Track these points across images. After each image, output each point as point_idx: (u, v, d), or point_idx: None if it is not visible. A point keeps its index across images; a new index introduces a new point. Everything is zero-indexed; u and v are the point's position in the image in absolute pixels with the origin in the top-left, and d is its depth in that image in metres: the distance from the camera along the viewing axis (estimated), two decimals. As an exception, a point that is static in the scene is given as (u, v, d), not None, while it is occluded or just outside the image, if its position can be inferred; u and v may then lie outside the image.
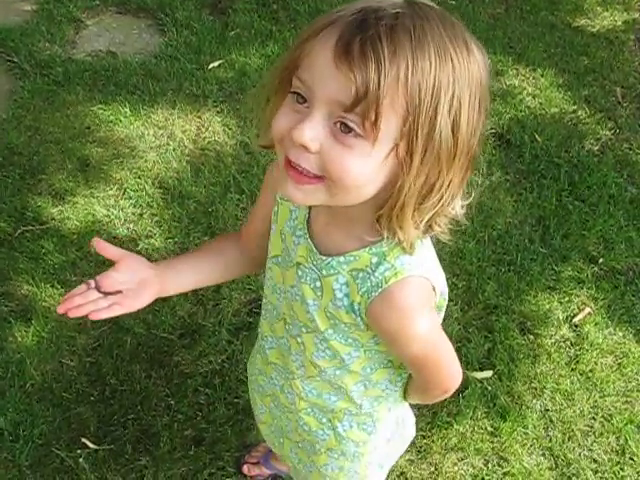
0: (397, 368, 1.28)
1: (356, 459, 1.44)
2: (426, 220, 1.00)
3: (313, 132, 0.92)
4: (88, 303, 1.20)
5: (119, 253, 1.27)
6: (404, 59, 0.88)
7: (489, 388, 2.34)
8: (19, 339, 2.37)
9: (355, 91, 0.88)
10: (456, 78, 0.92)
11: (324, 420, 1.38)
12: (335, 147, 0.93)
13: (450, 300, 2.51)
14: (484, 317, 2.54)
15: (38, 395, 2.25)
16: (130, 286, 1.25)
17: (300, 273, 1.18)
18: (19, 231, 2.68)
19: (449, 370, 1.26)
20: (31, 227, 2.70)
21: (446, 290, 1.17)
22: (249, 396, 1.63)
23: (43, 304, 2.46)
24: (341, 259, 1.10)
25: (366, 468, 1.48)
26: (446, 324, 2.47)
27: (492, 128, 3.25)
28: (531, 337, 2.51)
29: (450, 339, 2.38)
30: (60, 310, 1.20)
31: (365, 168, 0.93)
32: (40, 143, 3.02)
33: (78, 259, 2.60)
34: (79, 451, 2.13)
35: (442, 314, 1.23)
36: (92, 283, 1.24)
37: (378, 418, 1.37)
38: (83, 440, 2.15)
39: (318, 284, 1.15)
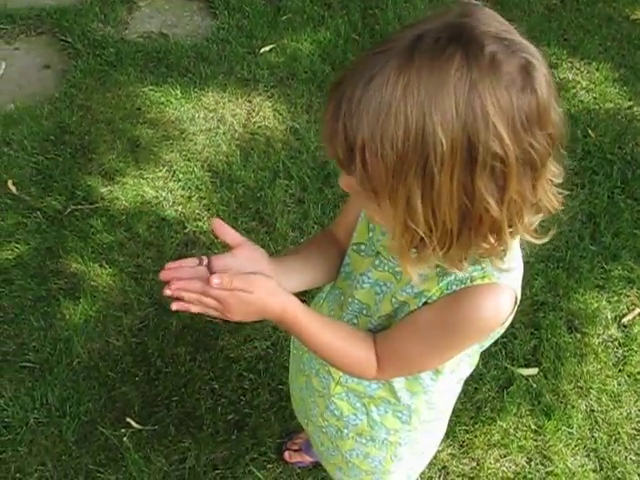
0: (441, 368, 1.25)
1: (384, 447, 1.42)
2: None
3: (342, 182, 0.99)
4: (195, 292, 1.08)
5: (239, 240, 1.16)
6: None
7: (534, 385, 2.31)
8: (67, 317, 2.41)
9: None
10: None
11: (358, 405, 1.37)
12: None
13: (497, 295, 2.50)
14: (531, 313, 2.51)
15: (84, 373, 2.28)
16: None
17: (377, 262, 1.18)
18: (69, 209, 2.71)
19: (402, 372, 1.23)
20: (81, 206, 2.73)
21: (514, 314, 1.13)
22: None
23: (91, 283, 2.49)
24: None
25: (391, 462, 1.46)
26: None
27: (544, 121, 3.19)
28: (578, 336, 2.47)
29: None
30: (163, 275, 1.10)
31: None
32: (91, 123, 3.04)
33: (126, 239, 2.62)
34: (123, 430, 2.16)
35: (491, 341, 1.21)
36: (205, 260, 1.13)
37: (415, 410, 1.35)
38: (127, 420, 2.18)
39: (398, 269, 1.14)
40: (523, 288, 2.58)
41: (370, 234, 1.22)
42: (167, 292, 1.08)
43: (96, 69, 3.28)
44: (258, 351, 2.33)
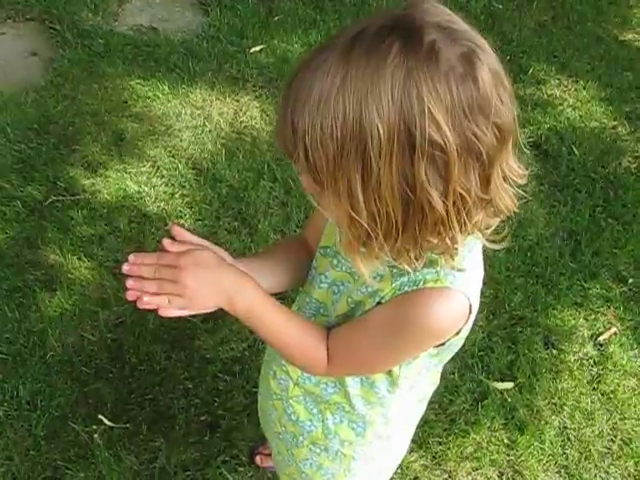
0: (397, 379, 1.22)
1: (338, 460, 1.41)
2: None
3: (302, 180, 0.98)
4: (160, 294, 1.07)
5: (201, 243, 1.15)
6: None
7: (509, 400, 2.32)
8: (42, 309, 2.37)
9: None
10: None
11: (315, 411, 1.35)
12: None
13: (475, 308, 2.51)
14: (509, 327, 2.52)
15: (57, 367, 2.25)
16: None
17: (335, 262, 1.18)
18: (50, 200, 2.68)
19: (350, 369, 1.20)
20: (62, 197, 2.70)
21: (470, 327, 1.11)
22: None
23: (69, 275, 2.46)
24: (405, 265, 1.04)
25: (344, 476, 1.44)
26: (470, 331, 2.45)
27: (530, 137, 3.21)
28: (554, 352, 2.48)
29: (473, 346, 2.38)
30: (129, 292, 1.08)
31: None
32: (76, 114, 3.01)
33: (106, 233, 2.59)
34: (95, 427, 2.14)
35: (452, 352, 1.19)
36: None
37: (370, 422, 1.33)
38: (99, 416, 2.15)
39: (355, 269, 1.10)
40: (502, 302, 2.60)
41: (337, 237, 1.19)
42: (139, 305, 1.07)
43: (84, 59, 3.25)
44: (235, 353, 2.31)
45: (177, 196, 2.75)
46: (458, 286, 1.01)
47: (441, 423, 2.25)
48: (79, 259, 2.50)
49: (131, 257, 1.12)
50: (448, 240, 0.94)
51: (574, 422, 2.30)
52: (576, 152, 3.19)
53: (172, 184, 2.79)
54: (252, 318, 1.13)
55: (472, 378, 2.35)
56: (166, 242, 1.11)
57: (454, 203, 0.90)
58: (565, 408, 2.33)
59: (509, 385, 2.35)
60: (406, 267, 0.99)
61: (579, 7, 4.03)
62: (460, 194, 0.89)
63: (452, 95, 0.85)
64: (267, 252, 1.41)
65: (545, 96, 3.48)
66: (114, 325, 2.36)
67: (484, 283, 2.67)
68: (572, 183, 3.06)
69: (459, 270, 1.01)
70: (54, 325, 2.33)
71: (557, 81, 3.58)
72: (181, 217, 2.67)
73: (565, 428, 2.29)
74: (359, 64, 0.84)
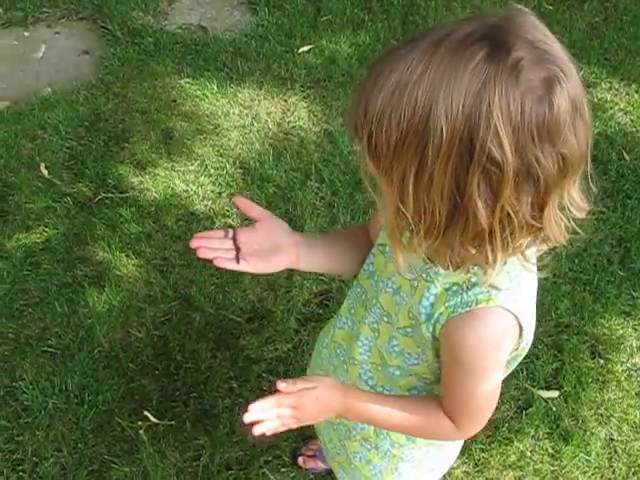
0: None
1: (387, 458, 1.43)
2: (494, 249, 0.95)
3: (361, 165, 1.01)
4: (220, 249, 1.19)
5: (262, 214, 1.25)
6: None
7: (554, 409, 2.29)
8: (91, 305, 2.41)
9: None
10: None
11: None
12: None
13: (522, 314, 2.48)
14: (555, 335, 2.48)
15: (105, 362, 2.29)
16: (264, 248, 1.22)
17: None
18: (99, 197, 2.72)
19: (475, 417, 1.21)
20: (111, 194, 2.74)
21: (531, 339, 1.13)
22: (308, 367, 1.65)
23: (117, 272, 2.50)
24: (441, 270, 1.07)
25: (391, 474, 1.46)
26: (515, 338, 2.43)
27: (579, 141, 3.16)
28: (601, 361, 2.44)
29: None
30: (193, 244, 1.18)
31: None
32: (126, 111, 3.05)
33: (154, 231, 2.62)
34: (140, 423, 2.17)
35: (517, 362, 1.20)
36: (230, 233, 1.21)
37: None
38: (145, 413, 2.18)
39: (415, 284, 1.14)
40: (548, 309, 2.57)
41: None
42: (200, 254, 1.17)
43: (134, 58, 3.29)
44: (279, 353, 2.32)
45: (224, 195, 2.77)
46: (508, 305, 1.03)
47: (484, 430, 2.20)
48: (127, 256, 2.54)
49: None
50: (489, 254, 0.94)
51: (622, 434, 2.27)
52: (627, 157, 3.13)
53: (219, 183, 2.81)
54: (366, 421, 1.26)
55: (517, 385, 2.33)
56: (281, 386, 1.16)
57: (500, 221, 0.90)
58: (612, 419, 2.29)
59: (554, 394, 2.32)
60: (440, 269, 1.03)
61: (633, 8, 3.95)
62: (508, 213, 0.89)
63: (523, 115, 0.84)
64: (331, 233, 1.45)
65: (595, 99, 3.42)
66: (160, 322, 2.39)
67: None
68: (622, 189, 3.01)
69: (496, 289, 1.02)
70: (102, 321, 2.37)
71: (608, 84, 3.52)
72: (228, 216, 2.69)
73: (612, 440, 2.26)
74: (440, 63, 0.85)
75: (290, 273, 2.51)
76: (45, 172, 2.78)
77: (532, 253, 1.04)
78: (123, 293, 2.45)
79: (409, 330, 1.17)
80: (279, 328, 2.37)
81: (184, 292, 2.45)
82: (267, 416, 1.17)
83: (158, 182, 2.79)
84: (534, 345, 2.38)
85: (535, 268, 1.10)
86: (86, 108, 3.04)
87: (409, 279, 1.15)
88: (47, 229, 2.60)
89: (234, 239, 1.20)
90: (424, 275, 1.11)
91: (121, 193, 2.75)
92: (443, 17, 3.66)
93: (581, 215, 0.99)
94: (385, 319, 1.24)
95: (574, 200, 0.96)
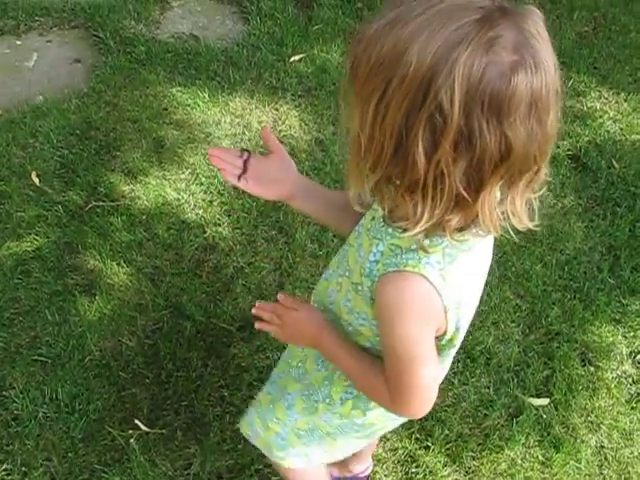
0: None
1: (307, 412, 1.52)
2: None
3: None
4: (230, 164, 1.37)
5: (278, 148, 1.41)
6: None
7: (544, 416, 2.30)
8: (82, 313, 2.41)
9: None
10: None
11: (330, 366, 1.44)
12: None
13: (512, 322, 2.50)
14: (545, 343, 2.49)
15: (95, 371, 2.28)
16: (268, 177, 1.40)
17: (370, 226, 1.23)
18: (90, 205, 2.72)
19: (405, 396, 1.23)
20: (102, 203, 2.74)
21: (464, 326, 1.18)
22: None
23: (108, 281, 2.50)
24: (390, 230, 1.13)
25: (296, 439, 1.58)
26: (506, 345, 2.44)
27: (568, 150, 3.19)
28: (592, 369, 2.45)
29: (509, 361, 2.36)
30: (210, 152, 1.39)
31: None
32: (117, 120, 3.05)
33: (145, 239, 2.62)
34: (130, 431, 2.16)
35: (448, 357, 1.28)
36: (245, 155, 1.38)
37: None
38: (135, 421, 2.17)
39: (369, 241, 1.20)
40: (538, 317, 2.57)
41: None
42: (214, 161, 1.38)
43: (126, 66, 3.29)
44: (270, 361, 2.32)
45: (215, 204, 2.77)
46: (432, 278, 1.07)
47: (475, 438, 2.23)
48: (118, 264, 2.54)
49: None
50: (417, 208, 0.99)
51: (612, 442, 2.27)
52: (616, 165, 3.15)
53: (211, 192, 2.81)
54: (329, 358, 1.37)
55: (507, 393, 2.34)
56: (279, 296, 1.40)
57: (434, 177, 0.95)
58: (602, 427, 2.30)
59: (545, 401, 2.33)
60: (380, 211, 1.11)
61: (622, 18, 3.99)
62: (442, 171, 0.94)
63: (481, 81, 0.89)
64: (335, 190, 1.64)
65: (585, 108, 3.45)
66: (151, 331, 2.39)
67: (520, 297, 2.66)
68: (612, 197, 3.03)
69: (428, 258, 1.07)
70: (93, 329, 2.36)
71: (597, 93, 3.55)
72: (219, 225, 2.70)
73: (602, 447, 2.26)
74: (436, 14, 0.91)
75: (281, 282, 2.52)
76: (36, 180, 2.78)
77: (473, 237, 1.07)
78: (114, 301, 2.45)
79: (359, 287, 1.22)
80: (270, 336, 2.35)
81: (175, 301, 2.45)
82: (267, 317, 1.40)
83: (149, 190, 2.79)
84: (525, 353, 2.42)
85: (478, 252, 1.16)
86: (78, 116, 3.04)
87: (368, 237, 1.20)
88: (38, 237, 2.60)
89: (245, 161, 1.37)
90: (378, 234, 1.17)
91: (112, 201, 2.74)
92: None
93: (520, 226, 1.04)
94: (347, 274, 1.29)
95: (516, 209, 1.01)
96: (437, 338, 1.18)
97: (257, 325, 1.42)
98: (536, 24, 0.93)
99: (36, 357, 2.30)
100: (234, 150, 1.40)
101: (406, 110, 0.92)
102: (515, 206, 1.01)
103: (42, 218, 2.66)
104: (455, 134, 0.91)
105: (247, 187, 1.39)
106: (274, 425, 1.60)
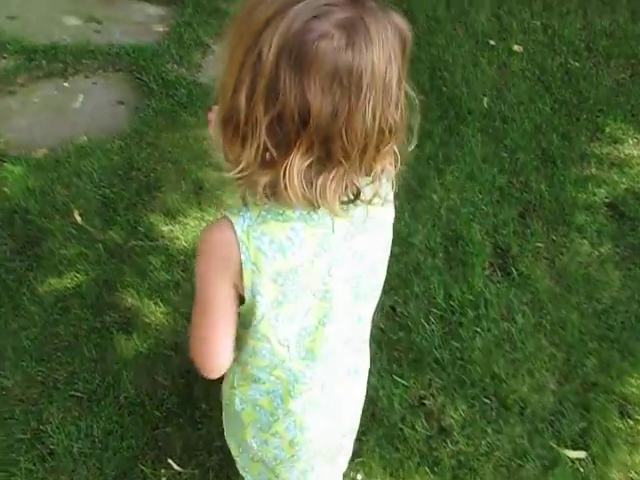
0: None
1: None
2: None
3: None
4: None
5: None
6: None
7: (582, 470, 2.25)
8: (118, 350, 2.44)
9: None
10: None
11: None
12: None
13: (547, 370, 2.47)
14: (581, 393, 2.46)
15: (130, 409, 2.30)
16: None
17: None
18: (129, 244, 2.77)
19: (194, 338, 1.37)
20: (141, 242, 2.79)
21: (263, 305, 1.21)
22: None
23: (145, 319, 2.53)
24: None
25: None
26: (541, 395, 2.41)
27: (605, 197, 3.18)
28: (631, 422, 2.40)
29: (543, 411, 2.31)
30: None
31: None
32: (158, 161, 3.12)
33: (182, 280, 2.66)
34: (163, 470, 2.17)
35: (259, 342, 1.33)
36: None
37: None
38: (169, 460, 2.18)
39: None
40: (574, 366, 2.53)
41: None
42: None
43: (167, 109, 3.38)
44: (303, 404, 2.32)
45: (252, 245, 2.80)
46: (237, 229, 1.13)
47: (509, 488, 2.20)
48: (155, 304, 2.57)
49: None
50: (236, 154, 1.05)
51: (650, 498, 2.23)
52: (654, 214, 3.13)
53: (248, 233, 2.84)
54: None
55: (542, 443, 2.30)
56: None
57: (252, 125, 1.02)
58: (641, 482, 2.26)
59: (582, 454, 2.28)
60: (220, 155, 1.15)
61: (659, 66, 4.00)
62: (256, 118, 1.01)
63: (295, 37, 0.97)
64: None
65: (622, 155, 3.44)
66: (186, 370, 2.40)
67: (556, 345, 2.61)
68: (650, 246, 3.00)
69: (245, 205, 1.15)
70: (129, 367, 2.39)
71: (635, 140, 3.54)
72: (255, 266, 2.72)
73: (641, 504, 2.22)
74: None
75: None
76: (78, 219, 2.84)
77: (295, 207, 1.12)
78: (150, 340, 2.48)
79: None
80: (304, 379, 2.37)
81: (210, 340, 2.47)
82: None
83: (188, 231, 2.84)
84: (560, 403, 2.38)
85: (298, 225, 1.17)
86: (120, 157, 3.11)
87: None
88: (78, 275, 2.65)
89: None
90: None
91: (151, 241, 2.79)
92: (470, 73, 3.73)
93: (331, 212, 1.10)
94: None
95: (325, 190, 1.05)
96: (241, 304, 1.25)
97: None
98: (385, 30, 1.01)
99: (73, 392, 2.33)
100: None
101: (244, 54, 1.00)
102: (325, 187, 1.05)
103: (83, 256, 2.72)
104: (267, 81, 0.98)
105: None
106: None
